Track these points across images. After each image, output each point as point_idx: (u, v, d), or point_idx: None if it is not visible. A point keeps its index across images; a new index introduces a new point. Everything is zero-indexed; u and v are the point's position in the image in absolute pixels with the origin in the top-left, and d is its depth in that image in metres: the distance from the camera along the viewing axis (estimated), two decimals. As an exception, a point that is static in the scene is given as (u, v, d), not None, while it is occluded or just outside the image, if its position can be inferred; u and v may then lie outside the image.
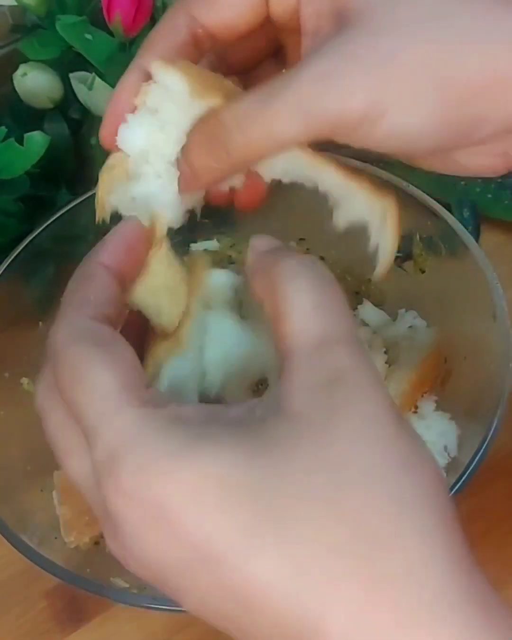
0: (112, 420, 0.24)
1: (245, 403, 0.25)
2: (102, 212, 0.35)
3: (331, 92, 0.28)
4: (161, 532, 0.22)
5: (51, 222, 0.49)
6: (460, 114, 0.29)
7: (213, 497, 0.22)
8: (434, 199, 0.46)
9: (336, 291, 0.27)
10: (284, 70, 0.31)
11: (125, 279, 0.30)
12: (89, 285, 0.29)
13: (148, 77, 0.32)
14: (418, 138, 0.29)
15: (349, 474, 0.23)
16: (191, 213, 0.53)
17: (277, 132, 0.29)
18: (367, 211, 0.34)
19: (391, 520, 0.23)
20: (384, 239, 0.34)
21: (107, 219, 0.34)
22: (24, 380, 0.48)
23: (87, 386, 0.25)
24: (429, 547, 0.23)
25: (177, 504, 0.22)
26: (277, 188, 0.36)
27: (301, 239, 0.52)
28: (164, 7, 0.51)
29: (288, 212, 0.48)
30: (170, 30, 0.32)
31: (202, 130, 0.31)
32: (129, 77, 0.33)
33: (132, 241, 0.31)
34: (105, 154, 0.55)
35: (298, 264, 0.28)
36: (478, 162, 0.32)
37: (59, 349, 0.26)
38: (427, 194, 0.46)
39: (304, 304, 0.26)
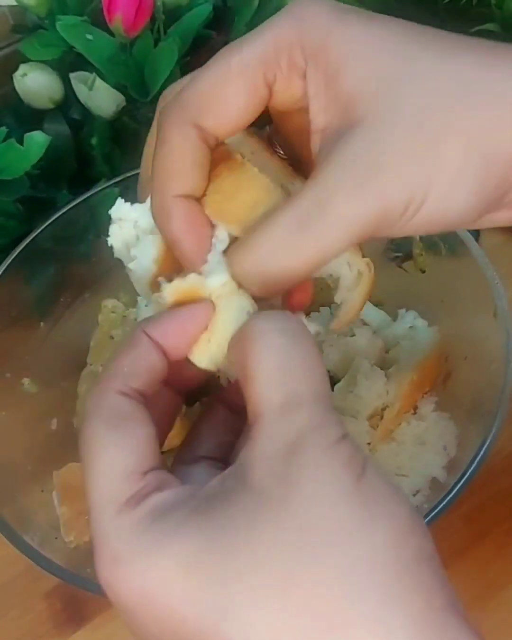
0: (99, 511, 0.26)
1: (221, 474, 0.26)
2: None
3: (369, 198, 0.27)
4: (146, 615, 0.25)
5: (51, 222, 0.49)
6: (500, 186, 0.28)
7: (180, 585, 0.24)
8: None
9: (304, 344, 0.27)
10: (300, 182, 0.31)
11: (171, 353, 0.29)
12: (128, 354, 0.29)
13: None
14: (457, 217, 0.28)
15: (302, 554, 0.24)
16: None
17: (323, 256, 0.28)
18: (344, 268, 0.33)
19: (342, 610, 0.23)
20: (353, 298, 0.34)
21: None
22: (25, 381, 0.48)
23: (90, 468, 0.27)
24: (385, 628, 0.23)
25: (151, 594, 0.25)
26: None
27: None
28: (164, 6, 0.51)
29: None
30: (189, 150, 0.30)
31: (250, 263, 0.29)
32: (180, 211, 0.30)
33: (191, 327, 0.30)
34: (105, 153, 0.55)
35: (266, 320, 0.27)
36: (502, 217, 0.30)
37: (83, 419, 0.28)
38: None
39: (269, 366, 0.26)
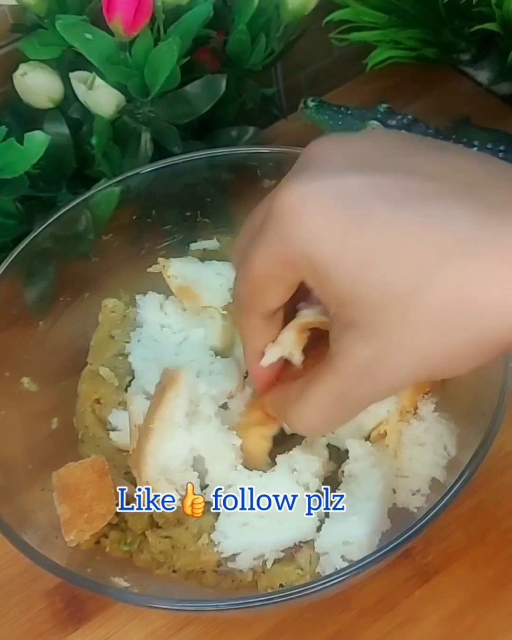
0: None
1: None
2: None
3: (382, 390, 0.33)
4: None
5: (51, 222, 0.49)
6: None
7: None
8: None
9: None
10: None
11: None
12: None
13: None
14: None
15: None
16: (191, 213, 0.53)
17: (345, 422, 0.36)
18: None
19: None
20: None
21: None
22: (24, 380, 0.48)
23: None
24: None
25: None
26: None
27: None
28: (164, 6, 0.51)
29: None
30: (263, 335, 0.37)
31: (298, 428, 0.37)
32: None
33: None
34: (105, 152, 0.55)
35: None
36: None
37: None
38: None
39: None
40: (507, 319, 0.28)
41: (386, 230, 0.29)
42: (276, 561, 0.41)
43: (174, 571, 0.42)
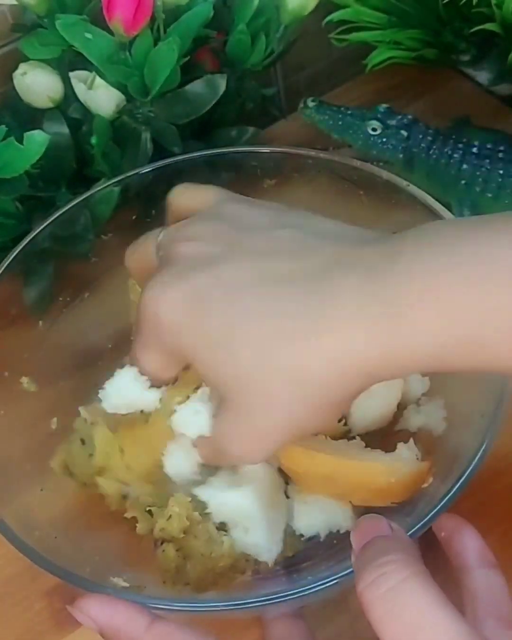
0: None
1: None
2: None
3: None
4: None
5: (50, 222, 0.49)
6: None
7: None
8: (434, 199, 0.46)
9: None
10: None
11: None
12: None
13: None
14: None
15: None
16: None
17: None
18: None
19: None
20: None
21: None
22: (24, 380, 0.48)
23: None
24: None
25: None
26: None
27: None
28: (164, 6, 0.51)
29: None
30: None
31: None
32: None
33: None
34: (105, 152, 0.55)
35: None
36: None
37: None
38: (427, 194, 0.46)
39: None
40: (333, 379, 0.34)
41: (227, 317, 0.35)
42: None
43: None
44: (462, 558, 0.39)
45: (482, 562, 0.39)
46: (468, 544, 0.39)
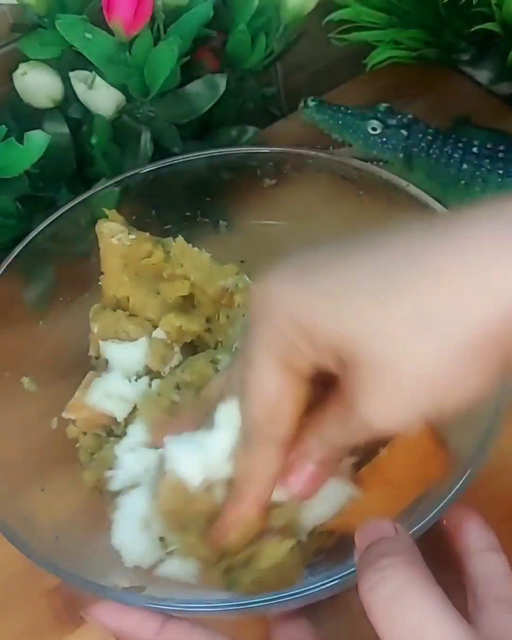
0: None
1: None
2: None
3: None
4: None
5: (51, 222, 0.49)
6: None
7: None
8: (434, 199, 0.46)
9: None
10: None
11: None
12: None
13: None
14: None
15: None
16: (191, 213, 0.53)
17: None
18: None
19: None
20: None
21: None
22: (24, 380, 0.48)
23: None
24: None
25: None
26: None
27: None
28: (164, 6, 0.51)
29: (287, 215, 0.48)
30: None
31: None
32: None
33: None
34: (105, 152, 0.55)
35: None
36: None
37: None
38: (427, 194, 0.46)
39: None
40: (473, 318, 0.29)
41: (347, 265, 0.32)
42: None
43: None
44: (464, 544, 0.39)
45: (483, 545, 0.39)
46: (471, 530, 0.39)
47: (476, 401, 0.32)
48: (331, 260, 0.32)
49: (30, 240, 0.48)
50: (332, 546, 0.41)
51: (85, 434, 0.48)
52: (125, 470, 0.43)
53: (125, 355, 0.48)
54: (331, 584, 0.35)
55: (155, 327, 0.49)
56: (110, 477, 0.43)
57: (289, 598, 0.35)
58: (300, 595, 0.35)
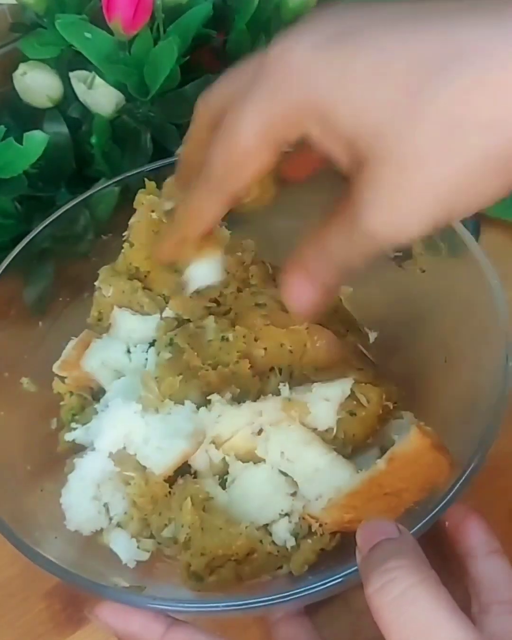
0: None
1: None
2: None
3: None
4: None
5: (50, 222, 0.49)
6: None
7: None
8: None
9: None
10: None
11: None
12: None
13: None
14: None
15: None
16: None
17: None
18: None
19: None
20: None
21: None
22: (24, 380, 0.48)
23: None
24: None
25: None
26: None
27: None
28: (164, 5, 0.51)
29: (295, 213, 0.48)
30: (214, 215, 0.36)
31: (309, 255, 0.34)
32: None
33: None
34: (105, 152, 0.54)
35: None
36: None
37: None
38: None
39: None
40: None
41: (381, 48, 0.28)
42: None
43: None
44: (466, 546, 0.39)
45: (486, 548, 0.39)
46: (473, 532, 0.39)
47: (483, 207, 0.31)
48: (365, 34, 0.29)
49: (30, 241, 0.48)
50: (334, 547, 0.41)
51: (71, 393, 0.48)
52: (91, 431, 0.44)
53: (136, 327, 0.47)
54: (331, 584, 0.35)
55: (167, 302, 0.48)
56: (73, 429, 0.45)
57: (290, 598, 0.35)
58: (300, 595, 0.35)
